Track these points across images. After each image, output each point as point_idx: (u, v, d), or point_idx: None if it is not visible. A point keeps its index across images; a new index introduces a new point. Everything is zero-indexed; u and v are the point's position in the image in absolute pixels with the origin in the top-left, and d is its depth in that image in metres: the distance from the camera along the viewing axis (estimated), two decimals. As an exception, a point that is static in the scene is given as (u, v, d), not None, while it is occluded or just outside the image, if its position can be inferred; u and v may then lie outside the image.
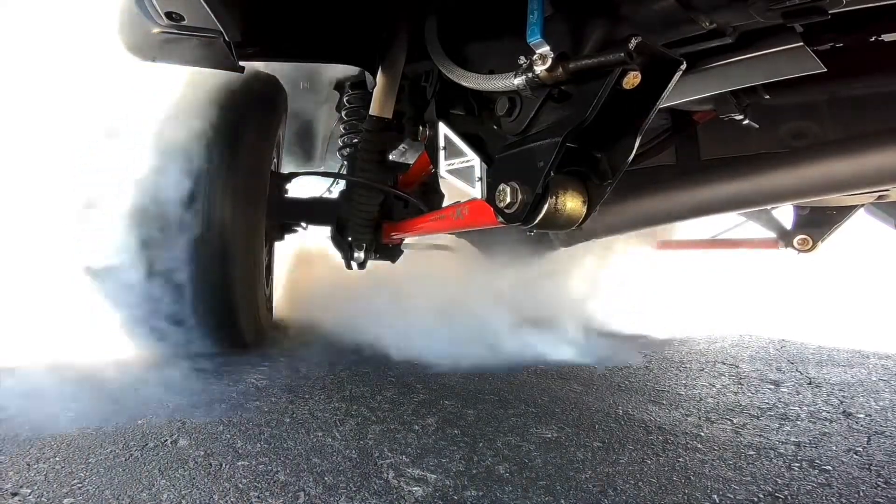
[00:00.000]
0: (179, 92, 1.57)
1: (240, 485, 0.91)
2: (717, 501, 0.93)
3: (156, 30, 1.20)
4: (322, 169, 2.93)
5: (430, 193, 1.98)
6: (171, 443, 1.06)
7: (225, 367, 1.57)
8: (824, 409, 1.44)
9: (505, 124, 1.07)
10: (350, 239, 1.90)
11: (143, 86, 1.57)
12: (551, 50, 0.90)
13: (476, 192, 1.10)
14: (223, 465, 0.97)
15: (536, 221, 0.98)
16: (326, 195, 2.14)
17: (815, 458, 1.12)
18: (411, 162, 2.04)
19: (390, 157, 1.96)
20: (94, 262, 1.52)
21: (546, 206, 0.96)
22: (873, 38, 1.16)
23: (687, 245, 3.27)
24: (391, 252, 2.02)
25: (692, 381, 1.68)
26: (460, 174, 1.16)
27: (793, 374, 1.80)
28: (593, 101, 0.88)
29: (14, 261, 1.65)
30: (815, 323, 2.87)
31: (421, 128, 1.29)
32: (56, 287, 1.63)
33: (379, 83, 1.57)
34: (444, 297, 2.37)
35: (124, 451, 1.01)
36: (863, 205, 2.30)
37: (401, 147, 2.57)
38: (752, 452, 1.14)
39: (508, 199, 0.98)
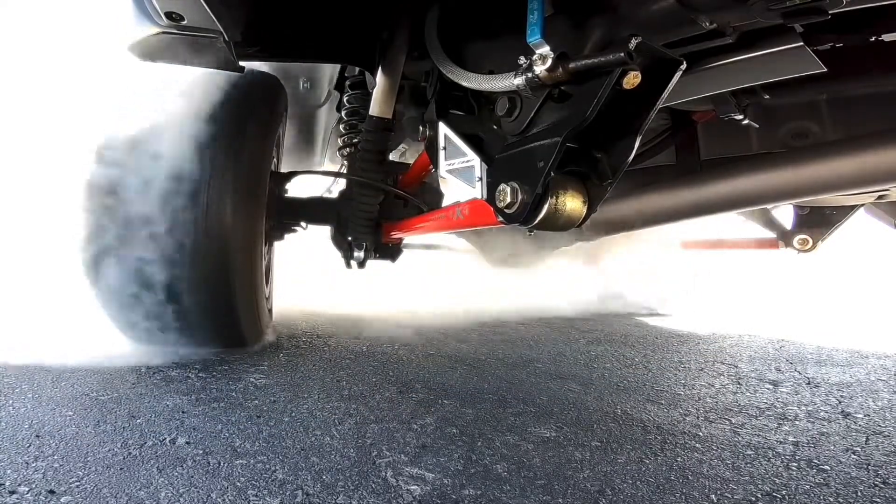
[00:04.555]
0: (180, 92, 1.57)
1: (238, 483, 0.91)
2: (715, 501, 0.93)
3: (156, 30, 1.20)
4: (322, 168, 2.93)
5: (430, 193, 1.98)
6: (169, 441, 1.06)
7: (224, 366, 1.57)
8: (823, 408, 1.44)
9: (505, 124, 1.07)
10: (350, 239, 1.90)
11: (142, 86, 1.57)
12: (551, 50, 0.91)
13: (476, 192, 1.10)
14: (221, 464, 0.98)
15: (536, 221, 0.98)
16: (326, 195, 2.13)
17: (813, 457, 1.12)
18: (411, 162, 2.04)
19: (390, 157, 1.96)
20: (93, 260, 1.52)
21: (546, 206, 0.96)
22: (873, 38, 1.16)
23: (686, 245, 3.27)
24: (391, 252, 2.03)
25: (691, 381, 1.68)
26: (460, 174, 1.16)
27: (792, 373, 1.80)
28: (593, 101, 0.88)
29: (13, 259, 1.66)
30: (815, 323, 2.87)
31: (421, 128, 1.29)
32: (55, 286, 1.64)
33: (379, 83, 1.57)
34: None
35: (122, 450, 1.01)
36: (863, 205, 2.30)
37: (401, 147, 2.58)
38: (750, 452, 1.14)
39: (508, 199, 0.98)
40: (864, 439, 1.23)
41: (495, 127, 1.12)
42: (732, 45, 1.07)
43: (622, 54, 0.83)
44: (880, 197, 1.91)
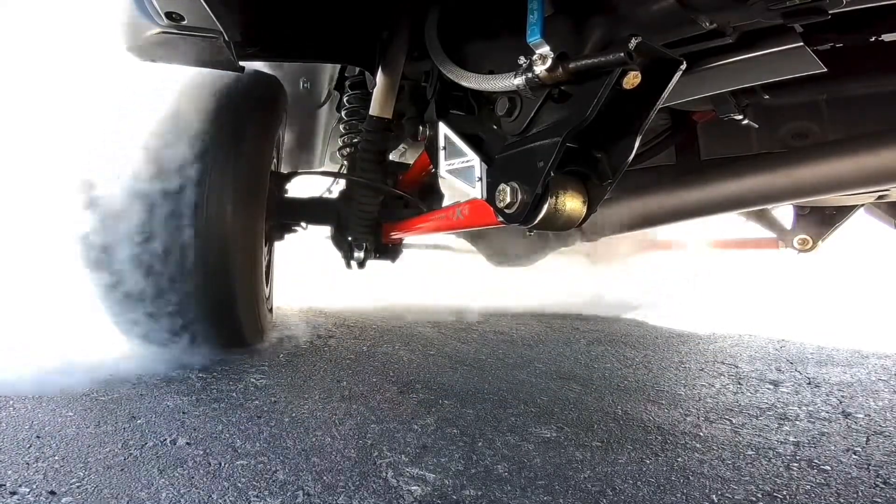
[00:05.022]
0: (180, 92, 1.57)
1: (239, 484, 0.91)
2: (716, 501, 0.93)
3: (156, 30, 1.20)
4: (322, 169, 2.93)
5: (430, 193, 1.98)
6: (170, 442, 1.06)
7: (225, 367, 1.57)
8: (823, 408, 1.44)
9: (505, 124, 1.07)
10: (350, 239, 1.90)
11: (143, 86, 1.57)
12: (551, 50, 0.90)
13: (476, 192, 1.10)
14: (222, 465, 0.98)
15: (536, 221, 0.98)
16: (326, 195, 2.13)
17: (813, 457, 1.12)
18: (411, 162, 2.04)
19: (390, 157, 1.96)
20: (94, 261, 1.52)
21: (546, 206, 0.96)
22: (873, 38, 1.16)
23: (685, 245, 3.27)
24: (391, 252, 2.03)
25: (691, 381, 1.68)
26: (460, 174, 1.16)
27: (792, 374, 1.80)
28: (593, 101, 0.88)
29: (12, 259, 1.66)
30: (815, 323, 2.87)
31: (421, 128, 1.29)
32: (55, 286, 1.64)
33: (379, 83, 1.57)
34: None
35: (123, 451, 1.01)
36: (863, 205, 2.30)
37: (401, 147, 2.58)
38: (750, 452, 1.14)
39: (508, 199, 0.98)
40: (865, 439, 1.23)
41: (495, 127, 1.12)
42: (732, 45, 1.07)
43: (622, 54, 0.83)
44: (880, 197, 1.91)
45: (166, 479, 0.91)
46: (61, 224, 1.54)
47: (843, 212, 2.41)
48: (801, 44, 1.05)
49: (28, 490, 0.86)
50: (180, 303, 1.55)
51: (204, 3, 1.08)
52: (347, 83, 2.08)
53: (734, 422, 1.32)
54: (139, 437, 1.08)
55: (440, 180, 1.86)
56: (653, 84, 0.88)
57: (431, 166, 1.44)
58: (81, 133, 1.56)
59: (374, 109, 1.62)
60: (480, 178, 1.09)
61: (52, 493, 0.85)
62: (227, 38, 1.22)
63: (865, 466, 1.09)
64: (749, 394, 1.56)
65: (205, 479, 0.92)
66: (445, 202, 1.95)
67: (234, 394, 1.35)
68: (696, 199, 1.66)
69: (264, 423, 1.18)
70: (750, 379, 1.72)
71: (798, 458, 1.12)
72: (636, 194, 1.81)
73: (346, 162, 2.06)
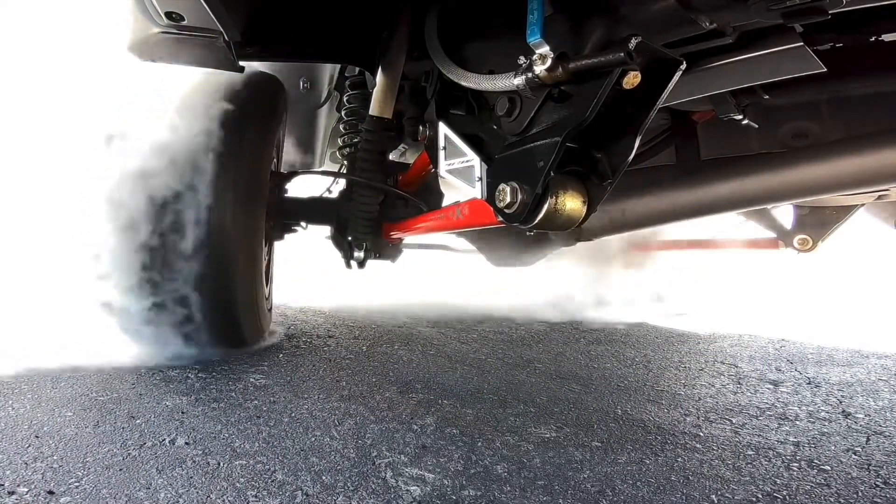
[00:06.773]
0: (180, 92, 1.57)
1: (237, 484, 0.91)
2: (716, 501, 0.93)
3: (156, 30, 1.20)
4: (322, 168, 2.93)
5: (430, 193, 1.98)
6: (168, 442, 1.06)
7: (224, 366, 1.57)
8: (823, 408, 1.44)
9: (505, 124, 1.07)
10: (350, 239, 1.90)
11: (143, 86, 1.57)
12: (551, 50, 0.90)
13: (476, 192, 1.10)
14: (221, 464, 0.97)
15: (536, 221, 0.98)
16: (326, 195, 2.13)
17: (813, 457, 1.12)
18: (411, 162, 2.04)
19: (390, 157, 1.96)
20: (93, 260, 1.52)
21: (546, 206, 0.96)
22: (873, 38, 1.16)
23: (687, 245, 3.27)
24: (391, 252, 2.02)
25: (691, 381, 1.67)
26: (460, 174, 1.16)
27: (792, 373, 1.80)
28: (593, 101, 0.88)
29: (14, 262, 1.66)
30: (815, 323, 2.87)
31: (421, 128, 1.29)
32: (55, 288, 1.63)
33: (379, 83, 1.57)
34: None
35: (122, 450, 1.01)
36: (863, 205, 2.30)
37: (401, 147, 2.58)
38: (750, 452, 1.14)
39: (508, 199, 0.98)
40: (865, 439, 1.23)
41: (495, 127, 1.12)
42: (732, 45, 1.07)
43: (622, 54, 0.83)
44: (880, 197, 1.91)
45: (165, 478, 0.91)
46: (60, 223, 1.54)
47: (843, 212, 2.41)
48: (801, 44, 1.06)
49: (26, 490, 0.85)
50: (180, 302, 1.55)
51: (204, 3, 1.08)
52: (347, 83, 2.08)
53: (734, 422, 1.32)
54: (138, 436, 1.08)
55: (440, 180, 1.87)
56: (653, 84, 0.88)
57: (431, 166, 1.44)
58: (80, 134, 1.55)
59: (374, 109, 1.62)
60: (480, 178, 1.09)
61: (51, 492, 0.85)
62: (227, 38, 1.23)
63: (865, 466, 1.09)
64: (749, 394, 1.56)
65: (203, 479, 0.92)
66: (445, 202, 1.95)
67: (233, 393, 1.35)
68: (696, 199, 1.66)
69: (263, 422, 1.18)
70: (750, 379, 1.72)
71: (798, 458, 1.12)
72: (636, 194, 1.81)
73: (346, 162, 2.06)
